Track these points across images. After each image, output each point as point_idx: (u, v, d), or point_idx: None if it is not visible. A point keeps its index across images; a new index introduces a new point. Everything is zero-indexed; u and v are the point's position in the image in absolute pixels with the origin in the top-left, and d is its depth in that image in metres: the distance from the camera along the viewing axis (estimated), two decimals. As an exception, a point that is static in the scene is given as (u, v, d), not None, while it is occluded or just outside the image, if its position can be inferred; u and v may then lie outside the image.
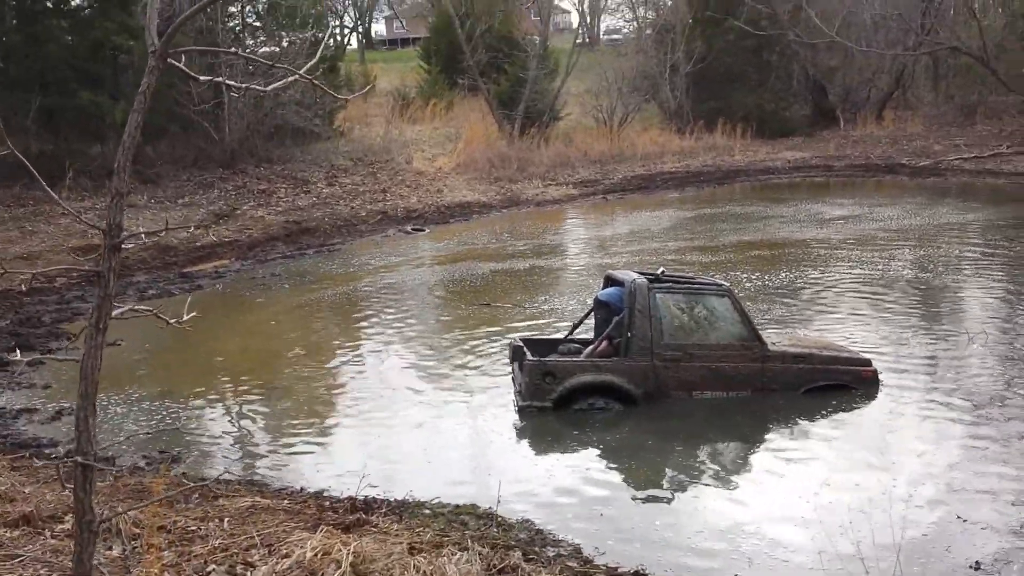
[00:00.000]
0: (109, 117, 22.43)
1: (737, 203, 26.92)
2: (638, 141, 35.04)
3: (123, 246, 3.86)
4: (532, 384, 9.51)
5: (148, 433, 9.50)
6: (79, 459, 3.82)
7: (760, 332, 10.00)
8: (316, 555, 5.56)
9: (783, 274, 16.28)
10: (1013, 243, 18.40)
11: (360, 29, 61.97)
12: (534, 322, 13.64)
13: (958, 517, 7.01)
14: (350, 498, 7.24)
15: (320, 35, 28.97)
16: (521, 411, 9.67)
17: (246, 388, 11.12)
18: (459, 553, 5.88)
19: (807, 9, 35.93)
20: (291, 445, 9.30)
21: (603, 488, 7.94)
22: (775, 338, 10.63)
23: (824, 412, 9.52)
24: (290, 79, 4.20)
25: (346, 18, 58.84)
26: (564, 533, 6.87)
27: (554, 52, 38.29)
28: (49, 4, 23.56)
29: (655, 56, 39.12)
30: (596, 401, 9.60)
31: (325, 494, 7.66)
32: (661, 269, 10.35)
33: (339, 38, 53.08)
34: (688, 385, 9.69)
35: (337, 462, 8.72)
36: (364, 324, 14.42)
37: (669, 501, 7.83)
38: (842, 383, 9.95)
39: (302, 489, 7.89)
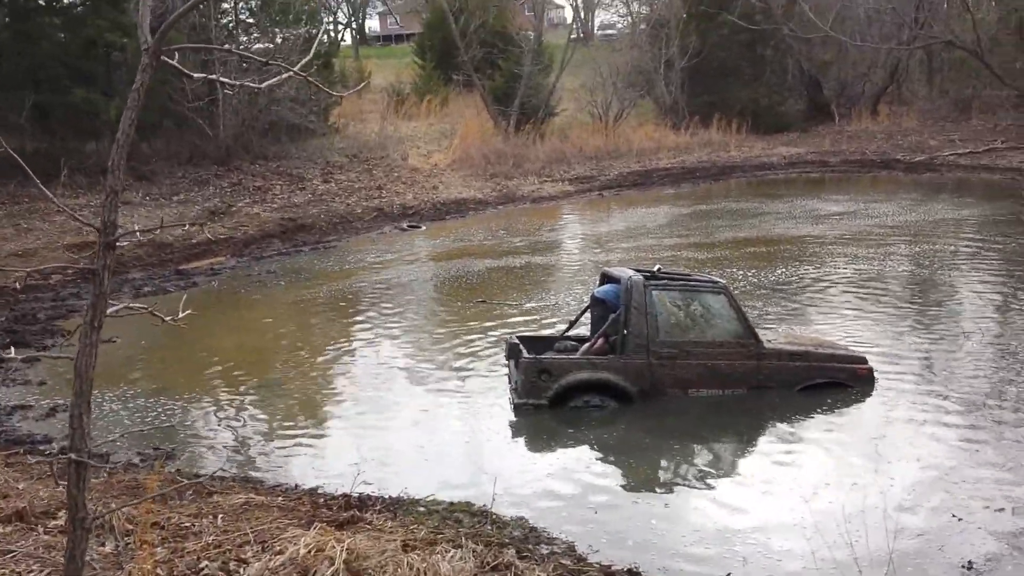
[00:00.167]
0: (103, 114, 22.38)
1: (733, 199, 26.94)
2: (633, 137, 35.03)
3: (118, 243, 3.85)
4: (528, 382, 9.51)
5: (142, 430, 9.48)
6: (73, 456, 3.81)
7: (756, 329, 10.01)
8: (310, 552, 5.55)
9: (779, 271, 16.30)
10: (1008, 239, 18.43)
11: (354, 25, 61.87)
12: (530, 319, 13.64)
13: (953, 515, 7.03)
14: (344, 495, 7.24)
15: (314, 31, 28.95)
16: (517, 409, 9.67)
17: (241, 385, 11.12)
18: (453, 550, 5.88)
19: (801, 3, 35.88)
20: (286, 442, 9.29)
21: (598, 487, 7.95)
22: (771, 335, 10.64)
23: (820, 410, 9.53)
24: (284, 76, 4.19)
25: (340, 14, 58.83)
26: (558, 531, 6.88)
27: (549, 47, 38.29)
28: (41, 2, 23.47)
29: (650, 51, 39.09)
30: (592, 399, 9.61)
31: (319, 491, 7.66)
32: (657, 266, 10.35)
33: (333, 34, 53.05)
34: (684, 383, 9.69)
35: (331, 459, 8.72)
36: (360, 321, 14.41)
37: (664, 500, 7.83)
38: (838, 381, 9.96)
39: (296, 486, 7.89)
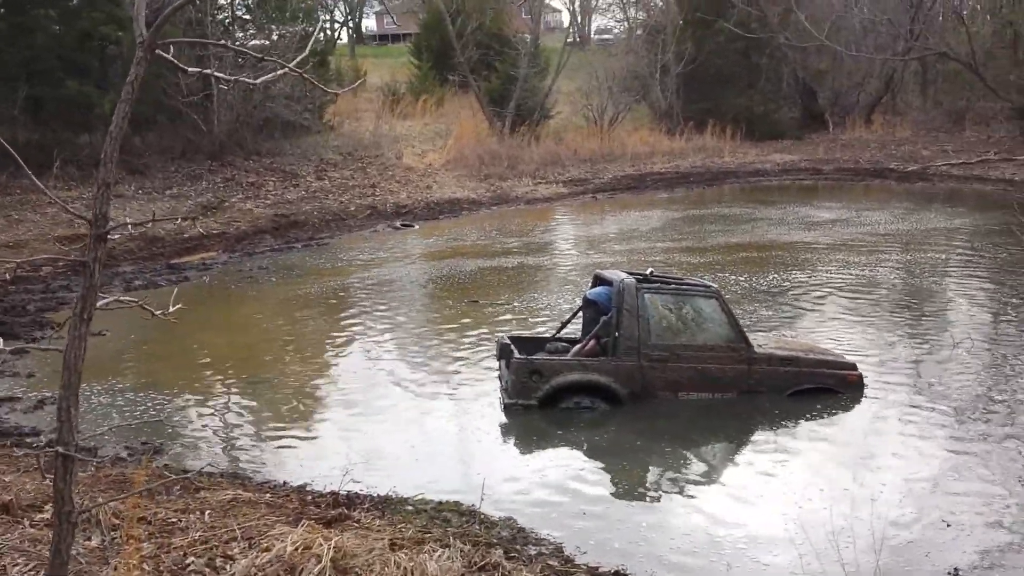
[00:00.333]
0: (97, 107, 22.30)
1: (726, 205, 27.00)
2: (628, 141, 35.11)
3: (109, 236, 3.83)
4: (519, 382, 9.51)
5: (131, 424, 9.44)
6: (60, 449, 3.79)
7: (747, 334, 10.03)
8: (297, 549, 5.54)
9: (770, 276, 16.34)
10: (999, 249, 18.51)
11: (350, 24, 61.82)
12: (521, 319, 13.64)
13: (942, 521, 7.05)
14: (333, 493, 7.22)
15: (310, 29, 28.91)
16: (507, 409, 9.67)
17: (231, 381, 11.09)
18: (440, 550, 5.87)
19: (797, 12, 36.09)
20: (275, 439, 9.27)
21: (587, 488, 7.94)
22: (761, 340, 10.65)
23: (809, 415, 9.55)
24: (280, 72, 4.17)
25: (336, 12, 58.70)
26: (546, 532, 6.87)
27: (545, 51, 38.32)
28: (36, -7, 23.38)
29: (645, 57, 39.20)
30: (582, 400, 9.60)
31: (307, 488, 7.64)
32: (650, 269, 10.36)
33: (329, 32, 52.99)
34: (674, 386, 9.70)
35: (320, 457, 8.69)
36: (351, 319, 14.38)
37: (652, 502, 7.84)
38: (827, 387, 9.98)
39: (284, 483, 7.87)
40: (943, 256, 18.19)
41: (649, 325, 9.59)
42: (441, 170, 29.71)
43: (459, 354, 12.00)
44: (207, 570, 5.48)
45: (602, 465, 8.58)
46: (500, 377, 10.20)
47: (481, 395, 10.32)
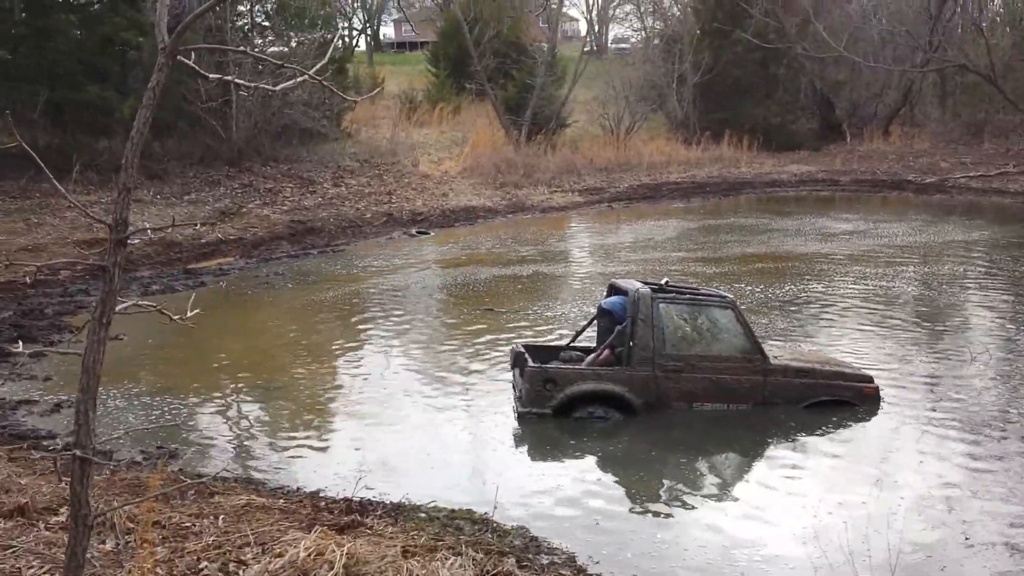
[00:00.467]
0: (117, 112, 22.50)
1: (742, 215, 26.92)
2: (644, 150, 35.05)
3: (129, 241, 3.86)
4: (533, 391, 9.49)
5: (146, 428, 9.49)
6: (77, 452, 3.80)
7: (762, 345, 9.99)
8: (309, 555, 5.55)
9: (786, 287, 16.27)
10: (1018, 263, 18.37)
11: (369, 31, 62.08)
12: (536, 328, 13.63)
13: (963, 536, 6.99)
14: (346, 499, 7.23)
15: (329, 36, 29.02)
16: (520, 417, 9.65)
17: (246, 386, 11.13)
18: (453, 558, 5.87)
19: (815, 23, 36.02)
20: (289, 445, 9.29)
21: (600, 498, 7.92)
22: (777, 352, 10.61)
23: (825, 428, 9.49)
24: (299, 79, 4.19)
25: (355, 20, 59.00)
26: (559, 541, 6.85)
27: (562, 59, 38.37)
28: (59, -2, 23.65)
29: (662, 66, 39.16)
30: (596, 410, 9.58)
31: (321, 494, 7.65)
32: (665, 279, 10.34)
33: (348, 40, 53.23)
34: (689, 396, 9.66)
35: (334, 463, 8.70)
36: (366, 325, 14.41)
37: (666, 513, 7.80)
38: (843, 399, 9.91)
39: (298, 489, 7.89)
40: (961, 269, 18.07)
41: (664, 335, 9.56)
42: (457, 178, 29.76)
43: (473, 362, 12.00)
44: (220, 575, 5.49)
45: (616, 475, 8.55)
46: (514, 386, 10.19)
47: (495, 403, 10.32)
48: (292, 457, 8.95)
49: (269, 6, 29.75)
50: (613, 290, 10.50)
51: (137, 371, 11.55)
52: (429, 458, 8.80)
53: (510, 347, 10.91)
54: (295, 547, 5.66)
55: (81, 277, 16.82)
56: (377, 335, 13.76)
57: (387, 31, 68.60)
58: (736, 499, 8.04)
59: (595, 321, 10.74)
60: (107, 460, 8.11)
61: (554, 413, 9.49)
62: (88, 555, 4.18)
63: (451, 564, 5.75)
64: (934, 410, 9.94)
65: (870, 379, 10.19)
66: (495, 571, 5.86)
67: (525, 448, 9.30)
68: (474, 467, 8.71)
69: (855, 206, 28.65)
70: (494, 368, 11.58)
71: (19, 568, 5.35)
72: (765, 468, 8.76)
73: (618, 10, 55.13)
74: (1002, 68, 33.80)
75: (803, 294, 15.79)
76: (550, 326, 13.74)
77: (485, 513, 7.10)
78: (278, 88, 4.36)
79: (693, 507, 7.89)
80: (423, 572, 5.54)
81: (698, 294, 10.21)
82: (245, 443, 9.38)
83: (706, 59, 38.00)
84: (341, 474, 8.19)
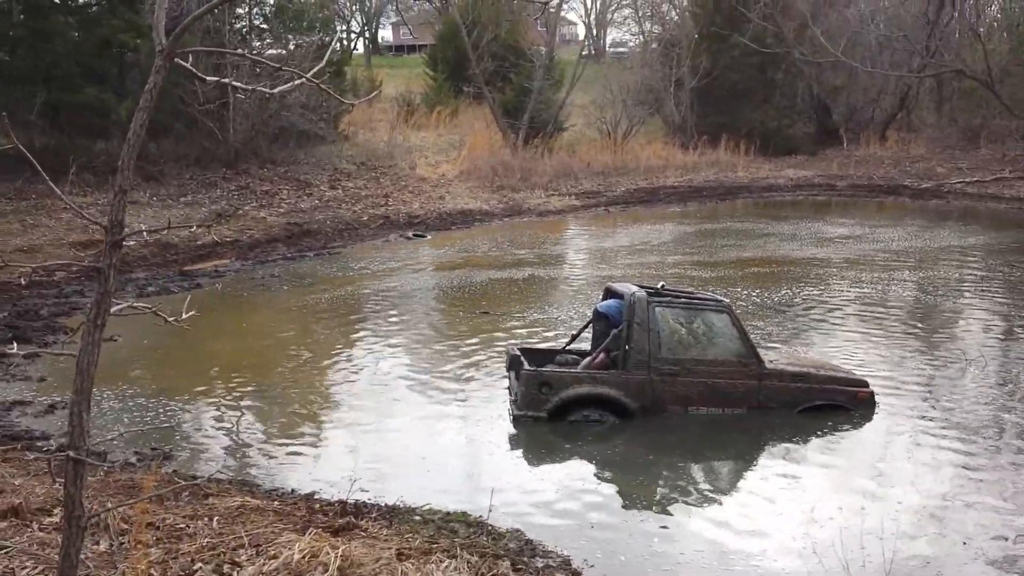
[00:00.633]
0: (114, 114, 22.48)
1: (738, 219, 26.97)
2: (641, 154, 35.12)
3: (124, 243, 3.86)
4: (528, 394, 9.49)
5: (141, 429, 9.47)
6: (71, 453, 3.80)
7: (758, 349, 10.00)
8: (304, 557, 5.54)
9: (782, 292, 16.29)
10: (1013, 268, 18.42)
11: (367, 34, 62.12)
12: (532, 331, 13.63)
13: (963, 543, 6.98)
14: (340, 501, 7.22)
15: (327, 39, 29.04)
16: (516, 420, 9.65)
17: (241, 388, 11.11)
18: (447, 561, 5.86)
19: (813, 28, 36.10)
20: (283, 447, 9.27)
21: (595, 501, 7.92)
22: (772, 356, 10.62)
23: (819, 433, 9.50)
24: (296, 82, 4.20)
25: (353, 23, 59.05)
26: (554, 544, 6.84)
27: (560, 63, 38.44)
28: (56, 0, 23.60)
29: (660, 70, 39.24)
30: (591, 413, 9.58)
31: (316, 496, 7.64)
32: (661, 283, 10.34)
33: (346, 43, 53.25)
34: (684, 400, 9.67)
35: (329, 465, 8.70)
36: (362, 328, 14.41)
37: (661, 517, 7.79)
38: (838, 404, 9.92)
39: (293, 491, 7.88)
40: (956, 274, 18.11)
41: (660, 339, 9.57)
42: (454, 181, 29.78)
43: (469, 365, 12.00)
44: (214, 577, 5.48)
45: (611, 479, 8.55)
46: (509, 389, 10.19)
47: (490, 406, 10.31)
48: (287, 459, 8.93)
49: (267, 9, 29.78)
50: (609, 293, 10.50)
51: (132, 372, 11.54)
52: (424, 461, 8.79)
53: (505, 350, 10.92)
54: (289, 549, 5.66)
55: (76, 278, 16.81)
56: (372, 337, 13.76)
57: (385, 34, 68.67)
58: (731, 504, 8.04)
59: (591, 324, 10.75)
60: (101, 461, 8.09)
61: (549, 416, 9.48)
62: (82, 556, 4.18)
63: (446, 567, 5.75)
64: (929, 415, 9.95)
65: (865, 384, 10.21)
66: (490, 574, 5.85)
67: (520, 451, 9.30)
68: (469, 470, 8.71)
69: (851, 211, 28.71)
70: (489, 371, 11.58)
71: (12, 569, 5.34)
72: (760, 472, 8.77)
73: (616, 14, 55.28)
74: (999, 73, 33.91)
75: (798, 298, 15.81)
76: (546, 329, 13.74)
77: (480, 516, 7.10)
78: (275, 91, 4.36)
79: (688, 511, 7.88)
80: (418, 575, 5.54)
81: (694, 298, 10.21)
82: (240, 445, 9.37)
83: (704, 63, 38.09)
84: (336, 476, 8.17)
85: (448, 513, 7.24)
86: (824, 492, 8.09)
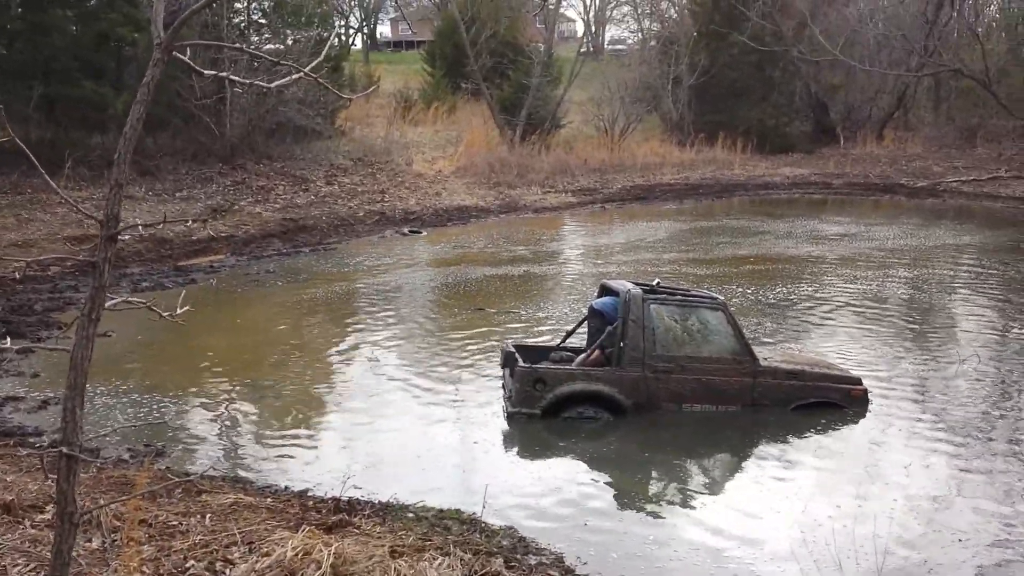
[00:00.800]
0: (111, 108, 22.42)
1: (734, 217, 26.98)
2: (638, 152, 35.12)
3: (119, 237, 3.84)
4: (522, 391, 9.50)
5: (134, 426, 9.46)
6: (64, 449, 3.79)
7: (752, 347, 10.01)
8: (297, 555, 5.54)
9: (777, 289, 16.31)
10: (1008, 267, 18.46)
11: (365, 30, 62.00)
12: (526, 328, 13.63)
13: (955, 537, 7.01)
14: (334, 499, 7.22)
15: (325, 34, 28.96)
16: (510, 417, 9.65)
17: (235, 384, 11.10)
18: (440, 558, 5.87)
19: (811, 26, 36.09)
20: (277, 443, 9.27)
21: (589, 498, 7.92)
22: (767, 353, 10.63)
23: (813, 430, 9.52)
24: (294, 77, 4.19)
25: (352, 18, 58.91)
26: (547, 542, 6.85)
27: (558, 60, 38.38)
28: (55, -6, 23.54)
29: (658, 68, 39.24)
30: (586, 410, 9.59)
31: (309, 494, 7.64)
32: (656, 280, 10.34)
33: (344, 38, 53.15)
34: (678, 397, 9.68)
35: (322, 462, 8.69)
36: (356, 324, 14.40)
37: (655, 514, 7.81)
38: (832, 401, 9.95)
39: (286, 488, 7.87)
40: (951, 272, 18.14)
41: (654, 336, 9.58)
42: (451, 177, 29.76)
43: (463, 361, 12.00)
44: (207, 574, 5.48)
45: (605, 476, 8.56)
46: (504, 385, 10.19)
47: (484, 403, 10.32)
48: (280, 456, 8.93)
49: (266, 3, 29.68)
50: (604, 291, 10.51)
51: (125, 368, 11.52)
52: (418, 458, 8.79)
53: (500, 347, 10.92)
54: (282, 546, 5.65)
55: (71, 273, 16.78)
56: (367, 334, 13.74)
57: (384, 30, 68.53)
58: (725, 500, 8.05)
59: (586, 321, 10.75)
60: (94, 458, 8.09)
61: (543, 413, 9.49)
62: (74, 553, 4.17)
63: (439, 564, 5.75)
64: (922, 412, 9.98)
65: (859, 381, 10.22)
66: (483, 571, 5.86)
67: (514, 448, 9.30)
68: (463, 467, 8.70)
69: (847, 209, 28.75)
70: (484, 368, 11.58)
71: (4, 566, 5.33)
72: (754, 469, 8.78)
73: (615, 11, 55.26)
74: (996, 73, 33.94)
75: (793, 296, 15.83)
76: (541, 326, 13.75)
77: (473, 513, 7.11)
78: (273, 85, 4.35)
79: (682, 508, 7.90)
80: (411, 572, 5.54)
81: (689, 295, 10.23)
82: (233, 441, 9.37)
83: (702, 61, 38.10)
84: (329, 473, 8.17)
85: (441, 510, 7.24)
86: (817, 490, 8.11)
